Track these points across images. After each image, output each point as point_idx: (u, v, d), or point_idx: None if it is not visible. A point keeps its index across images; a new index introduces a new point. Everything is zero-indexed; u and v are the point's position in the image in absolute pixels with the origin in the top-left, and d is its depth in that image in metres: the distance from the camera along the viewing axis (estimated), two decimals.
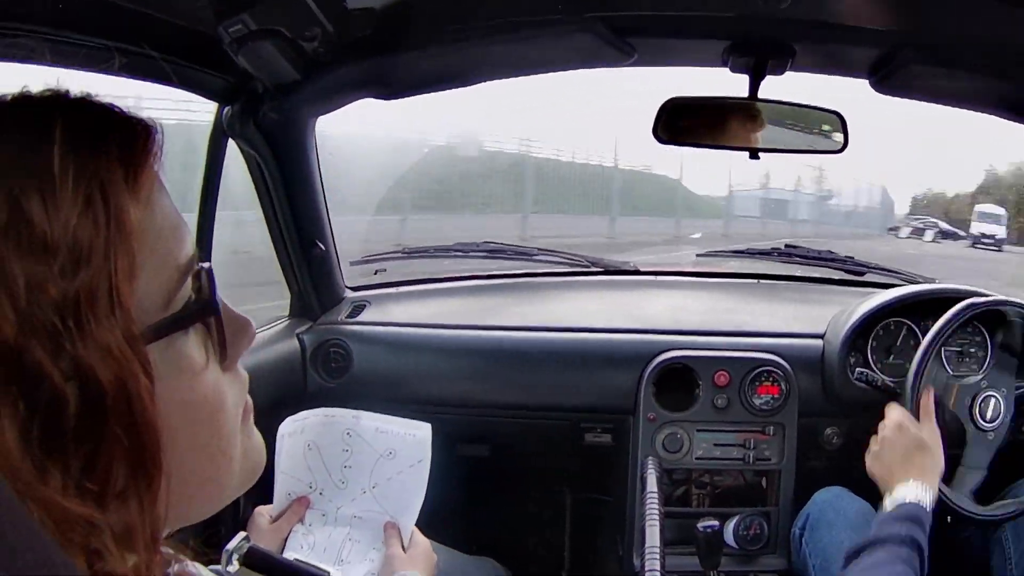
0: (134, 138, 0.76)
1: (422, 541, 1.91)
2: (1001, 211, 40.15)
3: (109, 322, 0.69)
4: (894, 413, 2.35)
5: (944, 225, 37.95)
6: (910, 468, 2.17)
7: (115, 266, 0.69)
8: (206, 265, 0.83)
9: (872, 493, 2.42)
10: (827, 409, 2.85)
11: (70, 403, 0.66)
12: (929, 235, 35.13)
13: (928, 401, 2.35)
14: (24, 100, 0.76)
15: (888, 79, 2.14)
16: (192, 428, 0.79)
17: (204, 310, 0.81)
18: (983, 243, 35.60)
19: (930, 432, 2.30)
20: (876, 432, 2.37)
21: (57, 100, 0.76)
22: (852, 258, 3.51)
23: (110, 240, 0.69)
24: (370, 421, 1.97)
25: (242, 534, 1.42)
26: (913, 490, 2.08)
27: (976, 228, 38.27)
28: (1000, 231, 37.79)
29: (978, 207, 41.25)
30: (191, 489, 0.79)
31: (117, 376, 0.68)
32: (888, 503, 2.11)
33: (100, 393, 0.67)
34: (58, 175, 0.68)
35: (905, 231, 35.88)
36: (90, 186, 0.70)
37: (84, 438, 0.67)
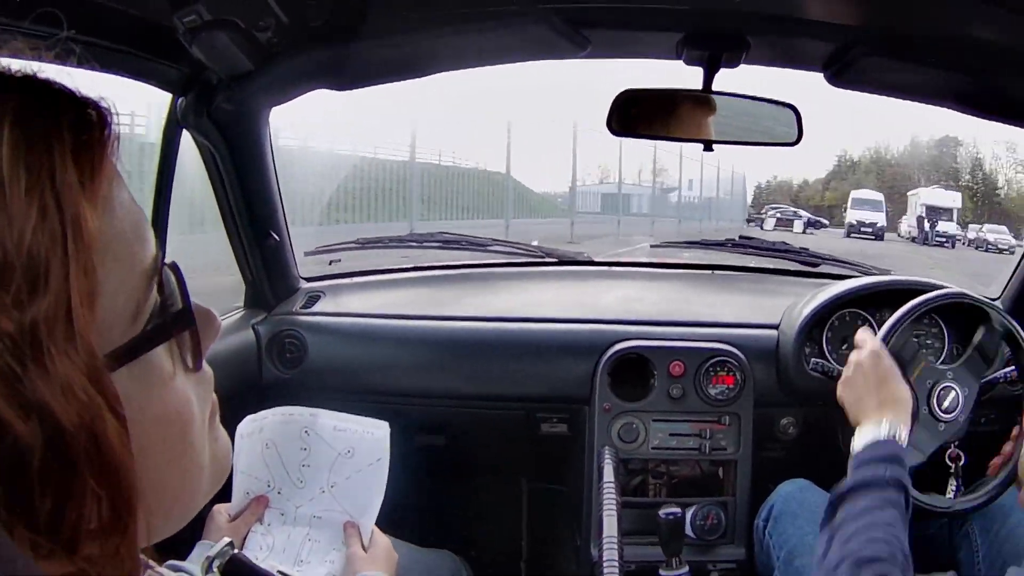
0: (89, 126, 0.68)
1: (382, 540, 1.91)
2: (879, 196, 41.15)
3: (70, 356, 0.61)
4: (870, 341, 2.33)
5: (805, 214, 37.22)
6: (885, 400, 2.15)
7: (74, 287, 0.62)
8: (170, 262, 0.78)
9: (834, 483, 2.45)
10: (782, 399, 2.88)
11: (34, 449, 0.60)
12: (799, 225, 34.51)
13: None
14: None
15: (842, 73, 2.17)
16: (164, 445, 0.74)
17: (178, 320, 0.76)
18: (861, 232, 36.02)
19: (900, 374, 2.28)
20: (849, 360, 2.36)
21: (3, 81, 0.68)
22: (807, 249, 3.56)
23: (67, 256, 0.62)
24: (328, 420, 1.97)
25: (226, 540, 1.41)
26: (888, 427, 2.06)
27: (853, 216, 38.70)
28: (879, 218, 38.47)
29: (854, 193, 42.31)
30: (165, 505, 0.75)
31: (81, 417, 0.62)
32: (863, 439, 2.08)
33: (64, 437, 0.61)
34: (7, 178, 0.60)
35: (770, 222, 34.68)
36: (44, 192, 0.62)
37: (49, 487, 0.61)
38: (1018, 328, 2.53)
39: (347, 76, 2.21)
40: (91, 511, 0.63)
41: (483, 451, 3.32)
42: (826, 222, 39.21)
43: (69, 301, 0.61)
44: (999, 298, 3.10)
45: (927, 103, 2.37)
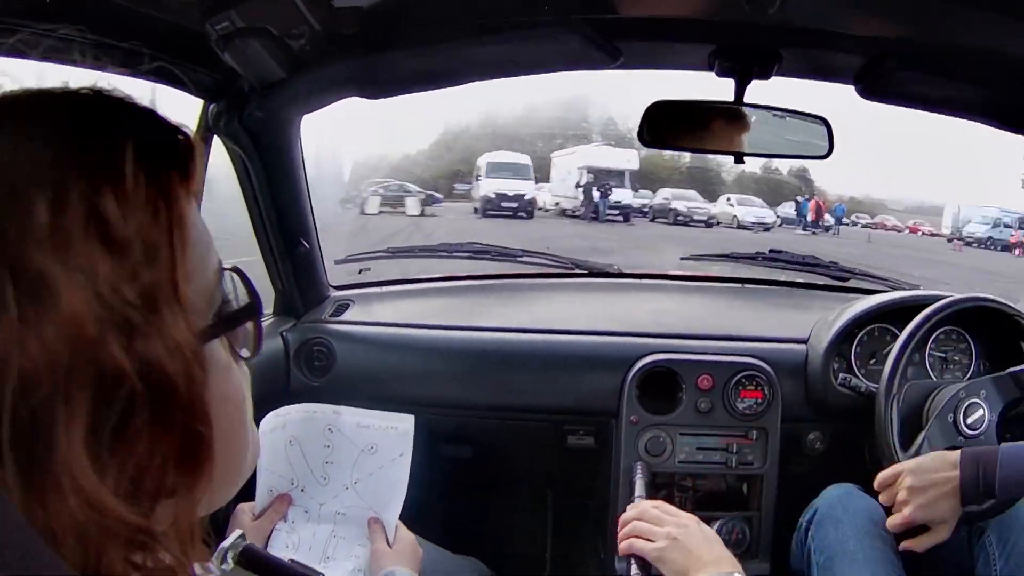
0: (187, 150, 0.80)
1: (407, 535, 1.92)
2: (524, 159, 34.58)
3: (175, 319, 0.72)
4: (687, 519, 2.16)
5: (415, 189, 31.26)
6: (702, 556, 1.99)
7: (179, 267, 0.73)
8: (232, 266, 0.87)
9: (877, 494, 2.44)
10: (810, 414, 2.88)
11: (141, 400, 0.68)
12: (413, 205, 28.61)
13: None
14: (99, 100, 0.79)
15: (874, 86, 2.15)
16: (226, 420, 0.82)
17: (248, 313, 0.88)
18: (503, 208, 30.68)
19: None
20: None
21: (126, 106, 0.79)
22: (836, 263, 3.53)
23: (174, 243, 0.74)
24: (351, 416, 1.98)
25: (238, 531, 1.42)
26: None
27: (489, 187, 32.19)
28: (527, 188, 32.69)
29: (489, 156, 34.72)
30: (222, 476, 0.81)
31: (185, 372, 0.72)
32: None
33: (169, 389, 0.70)
34: (130, 180, 0.71)
35: (373, 202, 28.60)
36: (157, 192, 0.73)
37: (146, 435, 0.69)
38: None
39: (379, 85, 2.21)
40: (174, 459, 0.72)
41: (509, 463, 3.31)
42: (440, 196, 33.10)
43: (174, 277, 0.73)
44: None
45: (959, 117, 2.35)
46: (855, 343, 2.87)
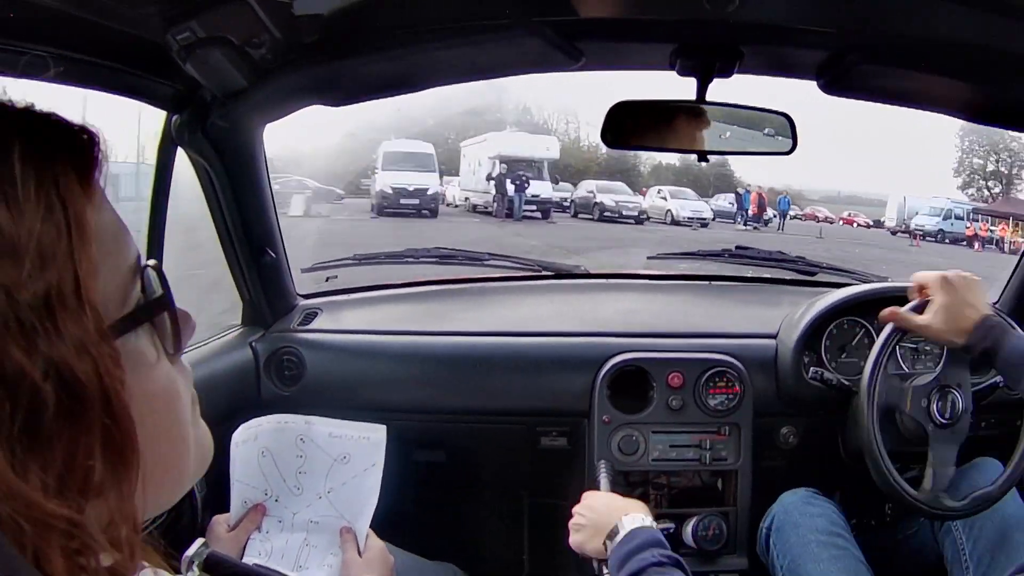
0: (83, 146, 0.79)
1: (377, 544, 1.91)
2: (427, 147, 31.35)
3: (80, 319, 0.71)
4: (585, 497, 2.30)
5: (312, 183, 27.63)
6: (612, 514, 2.08)
7: (80, 266, 0.72)
8: (152, 263, 0.86)
9: (833, 493, 2.45)
10: (782, 409, 2.90)
11: (49, 400, 0.68)
12: (298, 204, 24.14)
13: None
14: None
15: (836, 81, 2.17)
16: (154, 418, 0.81)
17: (160, 305, 0.85)
18: (402, 206, 27.79)
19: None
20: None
21: (9, 111, 0.78)
22: (803, 258, 3.56)
23: (72, 243, 0.72)
24: (323, 426, 1.97)
25: (200, 540, 1.42)
26: (625, 522, 2.00)
27: (386, 181, 28.99)
28: (430, 182, 29.42)
29: (387, 145, 31.41)
30: (157, 476, 0.80)
31: (94, 370, 0.71)
32: (614, 543, 2.00)
33: (79, 388, 0.70)
34: (20, 183, 0.70)
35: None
36: (49, 193, 0.72)
37: (64, 434, 0.69)
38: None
39: (341, 92, 2.21)
40: (98, 459, 0.71)
41: (483, 466, 3.32)
42: (341, 192, 31.29)
43: (76, 276, 0.71)
44: (998, 301, 3.10)
45: (924, 109, 2.37)
46: (825, 336, 2.89)
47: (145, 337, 0.83)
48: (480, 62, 2.18)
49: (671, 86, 2.23)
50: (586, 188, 34.71)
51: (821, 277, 3.51)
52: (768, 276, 3.65)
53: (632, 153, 39.44)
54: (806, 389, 2.81)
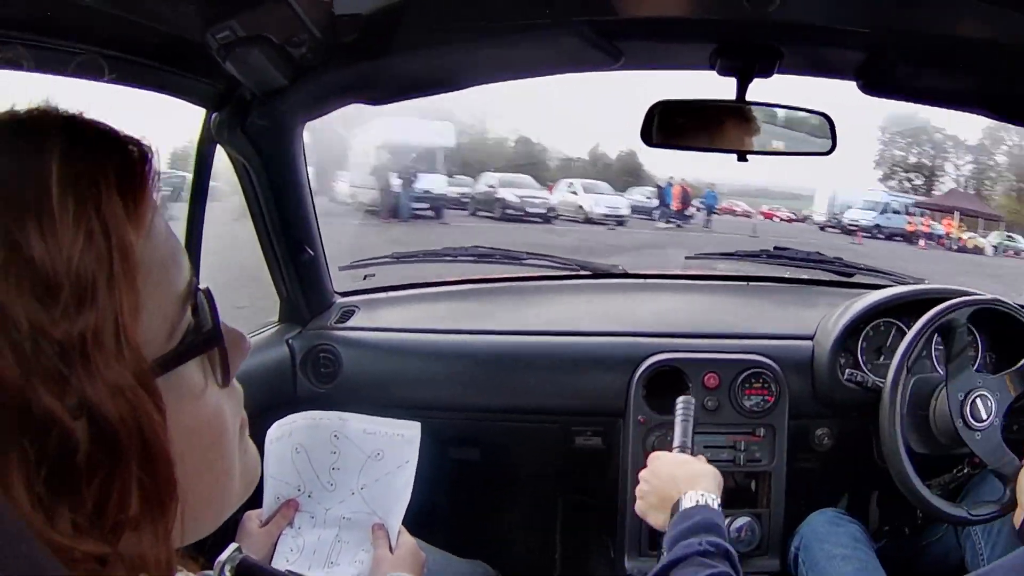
0: (132, 163, 0.74)
1: (409, 542, 1.91)
2: None
3: (118, 362, 0.67)
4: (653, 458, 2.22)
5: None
6: (678, 484, 2.00)
7: (120, 304, 0.67)
8: (203, 287, 0.82)
9: (868, 497, 2.44)
10: (817, 410, 2.87)
11: (80, 443, 0.64)
12: None
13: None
14: (13, 122, 0.73)
15: (876, 81, 2.16)
16: (197, 452, 0.78)
17: (208, 340, 0.80)
18: None
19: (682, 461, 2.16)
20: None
21: (49, 122, 0.73)
22: (841, 259, 3.53)
23: (114, 276, 0.67)
24: (357, 423, 1.97)
25: (234, 545, 1.41)
26: (691, 497, 1.93)
27: None
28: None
29: None
30: (197, 511, 0.77)
31: (129, 414, 0.67)
32: (672, 521, 1.93)
33: (111, 431, 0.66)
34: (57, 208, 0.65)
35: None
36: (91, 219, 0.67)
37: (96, 476, 0.65)
38: None
39: (380, 91, 2.22)
40: (133, 498, 0.67)
41: (517, 465, 3.32)
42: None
43: (116, 315, 0.67)
44: None
45: (959, 109, 2.37)
46: (861, 338, 2.87)
47: (195, 365, 0.78)
48: (519, 61, 2.19)
49: (711, 86, 2.22)
50: (487, 182, 30.63)
51: (858, 278, 3.48)
52: (805, 277, 3.62)
53: (539, 145, 39.71)
54: (841, 391, 2.79)
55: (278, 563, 1.85)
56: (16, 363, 0.62)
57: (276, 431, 1.95)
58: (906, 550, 2.74)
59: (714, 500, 1.93)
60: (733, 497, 2.79)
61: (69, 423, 0.64)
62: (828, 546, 2.49)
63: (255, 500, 1.92)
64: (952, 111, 2.40)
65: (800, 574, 2.56)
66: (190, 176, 2.45)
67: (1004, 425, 2.44)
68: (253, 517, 1.91)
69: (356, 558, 1.90)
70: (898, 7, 1.89)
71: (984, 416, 2.41)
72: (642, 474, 2.15)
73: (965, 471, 2.55)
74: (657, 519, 2.03)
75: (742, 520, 2.74)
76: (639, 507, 2.12)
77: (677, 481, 2.01)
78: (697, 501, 1.91)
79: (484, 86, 2.30)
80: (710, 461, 2.67)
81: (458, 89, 2.26)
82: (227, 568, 1.38)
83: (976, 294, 2.64)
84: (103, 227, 0.67)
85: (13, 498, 0.62)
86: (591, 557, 3.32)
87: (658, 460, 2.15)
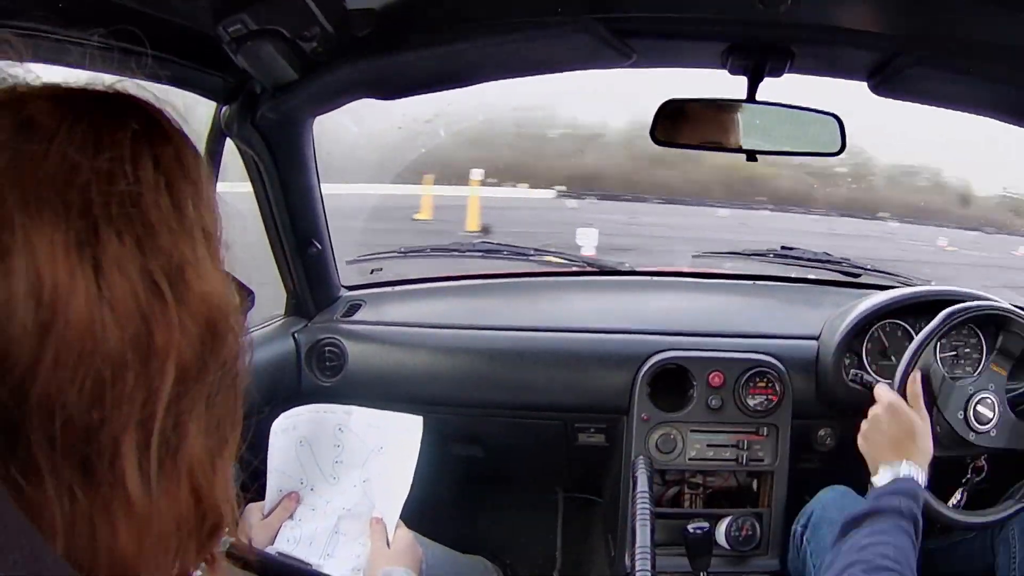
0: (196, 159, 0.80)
1: (406, 536, 1.89)
2: None
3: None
4: (885, 395, 2.28)
5: None
6: (900, 450, 2.12)
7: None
8: None
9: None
10: (821, 410, 2.87)
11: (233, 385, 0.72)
12: None
13: (916, 387, 2.30)
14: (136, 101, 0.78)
15: (886, 82, 2.14)
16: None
17: None
18: None
19: (920, 417, 2.24)
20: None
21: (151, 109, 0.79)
22: (848, 259, 3.52)
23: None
24: (362, 416, 1.97)
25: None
26: (906, 467, 2.04)
27: None
28: None
29: None
30: None
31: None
32: (882, 477, 2.07)
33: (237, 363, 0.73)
34: (204, 181, 0.76)
35: None
36: (211, 194, 0.77)
37: (229, 419, 0.73)
38: None
39: (391, 86, 2.22)
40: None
41: (519, 461, 3.32)
42: None
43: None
44: None
45: (970, 112, 2.35)
46: (867, 339, 2.86)
47: None
48: (531, 58, 2.18)
49: (721, 85, 2.22)
50: None
51: (865, 279, 3.47)
52: (812, 277, 3.62)
53: None
54: (846, 391, 2.77)
55: None
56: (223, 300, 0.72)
57: (281, 423, 1.94)
58: (933, 544, 2.72)
59: (922, 478, 2.07)
60: (734, 496, 2.87)
61: (239, 366, 0.73)
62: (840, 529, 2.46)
63: (258, 492, 1.91)
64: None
65: (805, 557, 2.54)
66: None
67: (1017, 411, 2.43)
68: (255, 509, 1.91)
69: (353, 551, 1.89)
70: (912, 9, 1.90)
71: (989, 416, 2.38)
72: (875, 412, 2.25)
73: (970, 476, 2.53)
74: (874, 456, 2.18)
75: (743, 519, 2.73)
76: (861, 444, 2.25)
77: (882, 452, 2.16)
78: (907, 474, 2.06)
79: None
80: (713, 460, 2.69)
81: (469, 85, 2.26)
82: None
83: (987, 298, 2.63)
84: (197, 211, 0.75)
85: (194, 447, 0.68)
86: (591, 554, 3.33)
87: (887, 417, 2.23)
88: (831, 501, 2.58)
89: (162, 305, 0.65)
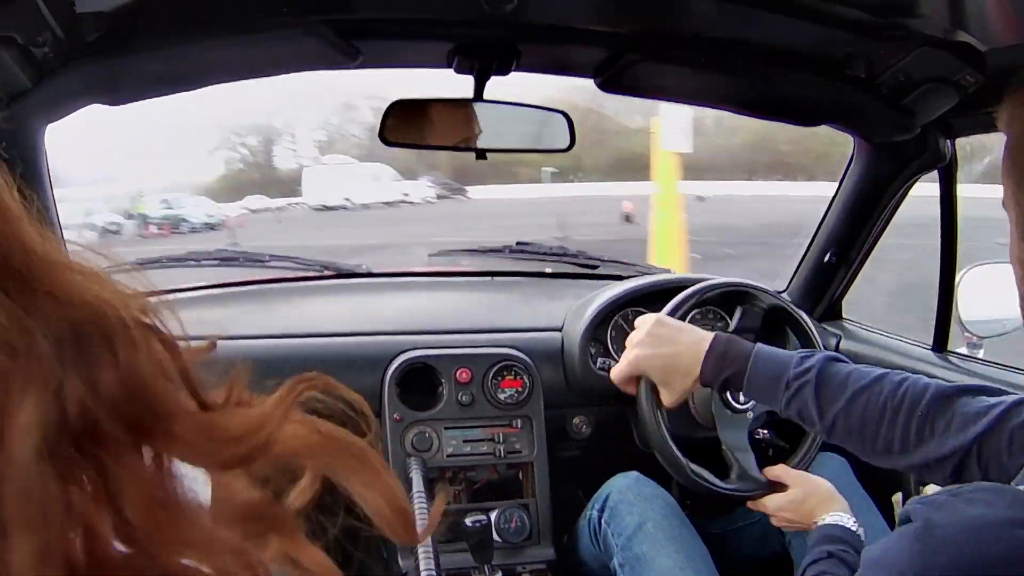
0: None
1: None
2: None
3: None
4: (790, 477, 2.46)
5: None
6: (826, 509, 2.31)
7: None
8: None
9: (660, 473, 2.64)
10: (573, 400, 3.10)
11: None
12: None
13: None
14: None
15: (614, 79, 2.36)
16: None
17: None
18: None
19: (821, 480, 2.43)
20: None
21: None
22: (584, 252, 3.80)
23: None
24: None
25: None
26: (832, 517, 2.27)
27: None
28: None
29: None
30: None
31: None
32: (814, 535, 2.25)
33: None
34: None
35: None
36: None
37: None
38: (789, 305, 2.82)
39: (120, 91, 2.25)
40: None
41: None
42: None
43: None
44: (786, 290, 3.42)
45: (702, 105, 2.67)
46: (610, 327, 3.09)
47: None
48: (258, 61, 2.31)
49: (455, 83, 2.41)
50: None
51: (603, 270, 3.71)
52: (550, 271, 3.85)
53: None
54: (595, 380, 3.02)
55: None
56: None
57: None
58: (717, 527, 2.95)
59: (851, 521, 2.24)
60: (499, 489, 3.02)
61: None
62: (637, 509, 2.64)
63: None
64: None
65: (605, 539, 2.68)
66: None
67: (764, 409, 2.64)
68: None
69: None
70: (637, 7, 2.11)
71: (745, 398, 2.62)
72: (800, 495, 2.39)
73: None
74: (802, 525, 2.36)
75: (510, 511, 2.91)
76: (791, 524, 2.41)
77: (803, 514, 2.35)
78: (836, 521, 2.24)
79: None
80: (470, 455, 2.85)
81: (199, 87, 2.31)
82: None
83: (719, 279, 2.87)
84: None
85: None
86: (362, 559, 3.41)
87: (792, 492, 2.42)
88: (626, 487, 2.74)
89: None
